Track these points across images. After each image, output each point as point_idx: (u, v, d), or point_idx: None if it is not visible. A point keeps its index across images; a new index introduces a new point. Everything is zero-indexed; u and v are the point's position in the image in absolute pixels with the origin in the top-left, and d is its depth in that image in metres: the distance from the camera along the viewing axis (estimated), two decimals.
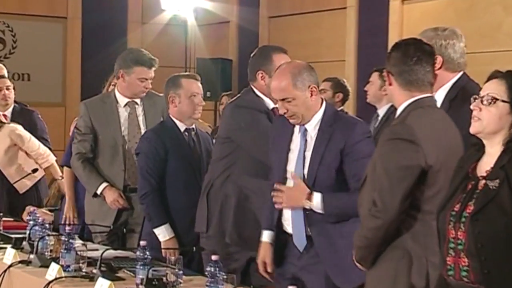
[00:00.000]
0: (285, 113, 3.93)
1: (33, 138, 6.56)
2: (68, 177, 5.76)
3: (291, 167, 3.96)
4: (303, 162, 3.92)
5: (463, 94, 3.77)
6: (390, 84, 3.48)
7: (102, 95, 5.64)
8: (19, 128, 6.57)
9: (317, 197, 3.85)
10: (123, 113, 5.32)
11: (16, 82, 6.96)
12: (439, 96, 3.88)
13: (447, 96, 3.89)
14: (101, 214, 5.24)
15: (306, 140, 3.95)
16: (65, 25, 11.53)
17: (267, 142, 4.15)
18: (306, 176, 3.91)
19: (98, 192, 5.21)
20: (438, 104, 3.80)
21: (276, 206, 3.94)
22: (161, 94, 5.17)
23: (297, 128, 4.00)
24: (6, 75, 7.30)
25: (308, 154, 3.92)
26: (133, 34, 11.80)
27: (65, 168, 5.80)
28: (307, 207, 3.86)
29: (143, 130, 5.24)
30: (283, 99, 3.92)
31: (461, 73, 3.95)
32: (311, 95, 3.94)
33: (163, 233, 4.76)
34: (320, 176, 3.88)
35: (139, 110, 5.35)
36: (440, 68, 3.83)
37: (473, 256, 2.85)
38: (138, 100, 5.36)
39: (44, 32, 11.37)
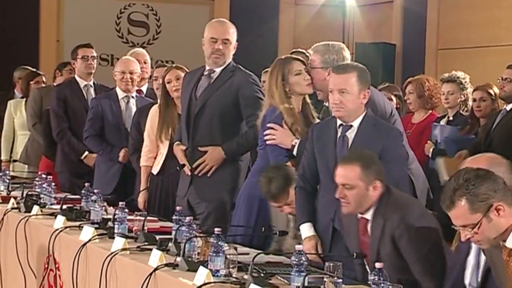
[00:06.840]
0: None
1: None
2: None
3: None
4: None
5: None
6: None
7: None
8: None
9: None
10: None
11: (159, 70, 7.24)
12: None
13: None
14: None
15: None
16: (212, 8, 11.77)
17: None
18: None
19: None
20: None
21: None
22: None
23: None
24: (149, 61, 7.68)
25: None
26: (285, 16, 11.91)
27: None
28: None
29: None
30: None
31: None
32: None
33: (304, 230, 4.88)
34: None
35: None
36: None
37: None
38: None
39: (189, 16, 11.64)
